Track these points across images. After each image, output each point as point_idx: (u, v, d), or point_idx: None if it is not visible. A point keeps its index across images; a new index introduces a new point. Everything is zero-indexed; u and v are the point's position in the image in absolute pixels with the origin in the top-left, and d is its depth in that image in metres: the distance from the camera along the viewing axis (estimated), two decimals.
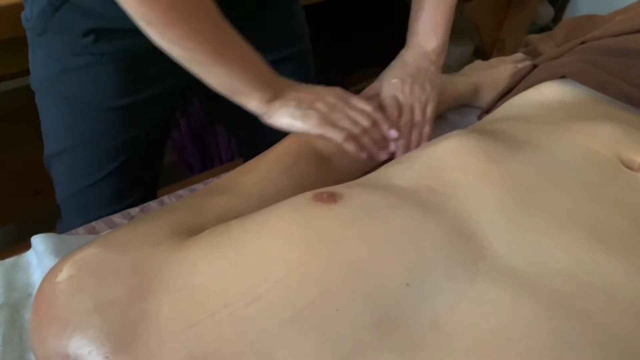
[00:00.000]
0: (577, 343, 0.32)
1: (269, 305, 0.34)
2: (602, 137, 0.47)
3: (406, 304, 0.34)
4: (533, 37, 0.91)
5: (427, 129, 0.63)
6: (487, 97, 0.78)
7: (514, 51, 0.93)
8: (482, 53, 1.85)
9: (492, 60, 0.86)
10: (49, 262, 0.49)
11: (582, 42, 0.68)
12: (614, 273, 0.36)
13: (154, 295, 0.35)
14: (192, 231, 0.42)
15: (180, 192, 0.63)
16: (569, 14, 2.27)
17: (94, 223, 0.57)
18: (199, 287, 0.35)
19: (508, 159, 0.45)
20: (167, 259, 0.38)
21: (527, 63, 0.85)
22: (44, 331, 0.35)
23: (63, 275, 0.36)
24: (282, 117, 0.56)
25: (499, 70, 0.83)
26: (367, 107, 0.60)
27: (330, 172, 0.59)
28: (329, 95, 0.59)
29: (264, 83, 0.55)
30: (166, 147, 0.82)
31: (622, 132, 0.48)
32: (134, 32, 0.50)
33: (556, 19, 2.27)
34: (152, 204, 0.61)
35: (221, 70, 0.52)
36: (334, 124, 0.56)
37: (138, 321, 0.34)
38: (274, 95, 0.55)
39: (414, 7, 0.68)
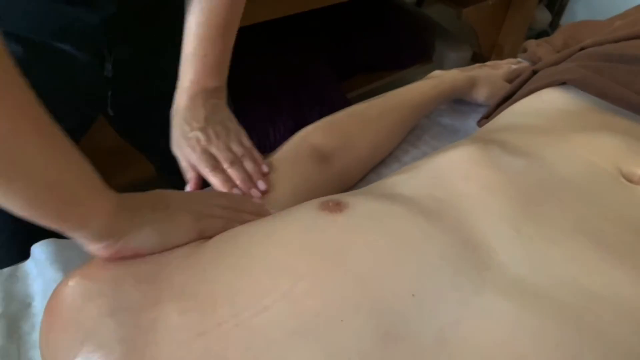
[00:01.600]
0: (585, 356, 0.31)
1: (275, 317, 0.34)
2: (602, 150, 0.47)
3: (412, 316, 0.34)
4: (531, 43, 0.91)
5: (255, 154, 0.56)
6: (481, 92, 0.78)
7: (512, 56, 0.93)
8: (481, 58, 1.85)
9: (487, 64, 0.86)
10: (50, 272, 0.48)
11: (582, 48, 0.68)
12: (621, 285, 0.36)
13: (164, 302, 0.35)
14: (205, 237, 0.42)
15: None
16: (566, 19, 2.28)
17: None
18: (207, 296, 0.36)
19: (512, 169, 0.45)
20: (177, 266, 0.38)
21: (523, 64, 0.86)
22: (57, 335, 0.36)
23: (78, 281, 0.37)
24: (145, 232, 0.39)
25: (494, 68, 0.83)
26: (253, 206, 0.51)
27: (330, 171, 0.59)
28: (175, 193, 0.47)
29: (106, 192, 0.37)
30: None
31: (623, 145, 0.48)
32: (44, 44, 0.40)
33: (553, 24, 2.29)
34: None
35: (44, 167, 0.32)
36: (213, 209, 0.46)
37: (149, 328, 0.34)
38: (119, 210, 0.37)
39: (187, 41, 0.57)
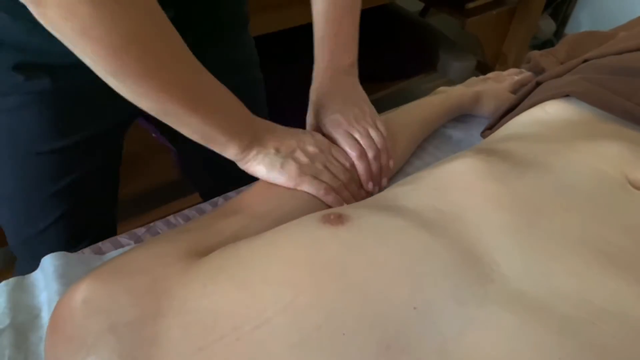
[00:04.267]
0: None
1: (277, 330, 0.34)
2: (609, 157, 0.47)
3: (414, 329, 0.34)
4: (535, 54, 0.91)
5: (388, 145, 0.61)
6: (487, 106, 0.79)
7: (516, 65, 0.93)
8: (485, 67, 1.86)
9: (489, 75, 0.86)
10: (55, 285, 0.49)
11: (585, 60, 0.68)
12: (625, 297, 0.36)
13: (164, 317, 0.35)
14: (204, 252, 0.42)
15: (185, 211, 0.63)
16: (570, 28, 2.28)
17: (100, 243, 0.57)
18: (208, 310, 0.36)
19: (515, 180, 0.45)
20: (178, 281, 0.38)
21: (526, 74, 0.86)
22: (60, 351, 0.36)
23: (80, 295, 0.37)
24: (259, 165, 0.53)
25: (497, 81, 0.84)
26: (347, 162, 0.58)
27: None
28: (309, 143, 0.56)
29: (241, 130, 0.51)
30: (118, 179, 0.75)
31: (629, 151, 0.48)
32: (75, 67, 0.44)
33: (558, 33, 2.29)
34: (159, 223, 0.61)
35: (197, 121, 0.47)
36: (313, 176, 0.54)
37: (150, 343, 0.34)
38: (252, 142, 0.52)
39: (317, 23, 0.62)
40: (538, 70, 0.88)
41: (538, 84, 0.69)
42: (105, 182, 0.72)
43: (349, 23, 0.61)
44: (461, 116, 0.80)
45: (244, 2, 0.73)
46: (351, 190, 0.57)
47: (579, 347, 0.33)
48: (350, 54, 0.62)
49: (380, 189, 0.59)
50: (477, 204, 0.43)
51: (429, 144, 0.75)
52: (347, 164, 0.58)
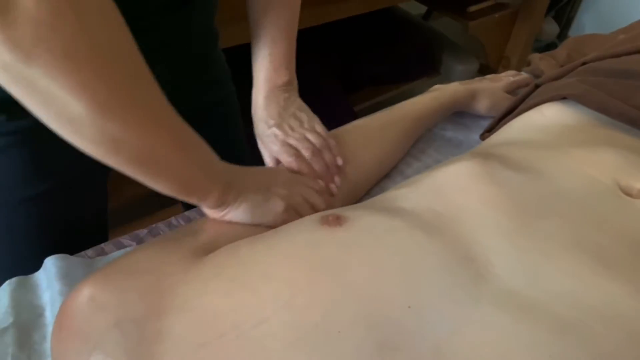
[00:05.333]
0: None
1: (275, 328, 0.35)
2: (601, 164, 0.48)
3: (408, 328, 0.35)
4: (535, 56, 0.91)
5: (331, 142, 0.60)
6: (482, 103, 0.79)
7: (520, 68, 0.94)
8: (488, 70, 1.86)
9: (486, 77, 0.87)
10: (58, 285, 0.50)
11: (584, 63, 0.69)
12: (617, 298, 0.36)
13: (168, 314, 0.37)
14: (207, 251, 0.44)
15: (187, 213, 0.63)
16: (574, 30, 2.28)
17: (103, 245, 0.58)
18: (209, 308, 0.37)
19: (511, 183, 0.46)
20: (181, 279, 0.39)
21: (522, 75, 0.86)
22: (67, 346, 0.37)
23: (86, 292, 0.38)
24: (240, 209, 0.49)
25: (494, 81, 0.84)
26: (316, 184, 0.57)
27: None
28: (280, 174, 0.55)
29: (219, 172, 0.47)
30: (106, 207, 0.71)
31: (622, 159, 0.49)
32: None
33: (561, 36, 2.29)
34: (160, 225, 0.62)
35: (182, 164, 0.42)
36: (299, 205, 0.52)
37: (153, 339, 0.35)
38: (229, 185, 0.48)
39: (254, 42, 0.62)
40: (538, 73, 0.88)
41: (537, 86, 0.70)
42: (98, 219, 0.70)
43: (284, 42, 0.61)
44: (460, 119, 0.81)
45: (212, 18, 0.72)
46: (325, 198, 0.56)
47: (571, 347, 0.33)
48: (285, 73, 0.62)
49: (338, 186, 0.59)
50: (473, 205, 0.44)
51: (429, 147, 0.76)
52: (317, 187, 0.57)
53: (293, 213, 0.51)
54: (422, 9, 2.10)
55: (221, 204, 0.48)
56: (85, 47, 0.32)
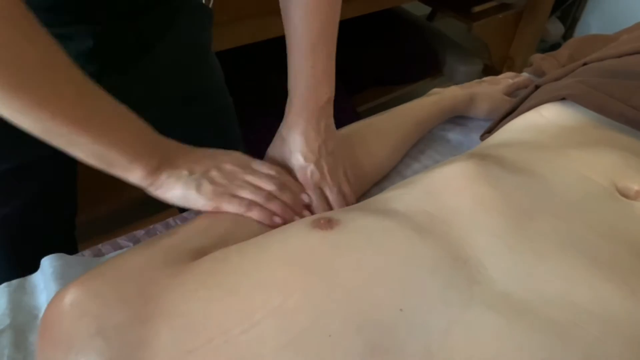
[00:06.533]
0: None
1: (265, 333, 0.34)
2: (599, 165, 0.48)
3: (399, 331, 0.34)
4: (537, 57, 0.91)
5: (345, 188, 0.57)
6: (481, 107, 0.78)
7: (524, 69, 0.93)
8: (492, 71, 1.85)
9: (485, 79, 0.86)
10: (54, 286, 0.50)
11: (585, 63, 0.68)
12: (612, 300, 0.36)
13: (153, 320, 0.36)
14: (195, 255, 0.43)
15: (185, 214, 0.63)
16: (579, 31, 2.27)
17: (100, 245, 0.58)
18: (198, 314, 0.36)
19: (506, 185, 0.45)
20: (167, 285, 0.39)
21: (521, 77, 0.86)
22: (49, 354, 0.36)
23: (68, 299, 0.38)
24: (172, 189, 0.48)
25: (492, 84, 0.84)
26: (271, 171, 0.53)
27: None
28: (226, 161, 0.52)
29: (146, 151, 0.46)
30: (75, 196, 0.71)
31: (620, 160, 0.48)
32: None
33: (566, 36, 2.28)
34: (158, 226, 0.62)
35: (87, 141, 0.42)
36: (232, 195, 0.50)
37: (138, 346, 0.35)
38: (160, 164, 0.47)
39: (291, 53, 0.54)
40: (539, 74, 0.87)
41: (537, 87, 0.70)
42: (51, 209, 0.68)
43: (326, 51, 0.54)
44: (460, 120, 0.80)
45: (203, 32, 0.71)
46: (282, 199, 0.52)
47: (564, 348, 0.33)
48: (328, 88, 0.55)
49: None
50: (467, 206, 0.43)
51: (429, 148, 0.75)
52: (272, 172, 0.53)
53: (228, 197, 0.49)
54: (426, 9, 2.10)
55: (150, 183, 0.47)
56: None
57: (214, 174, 0.50)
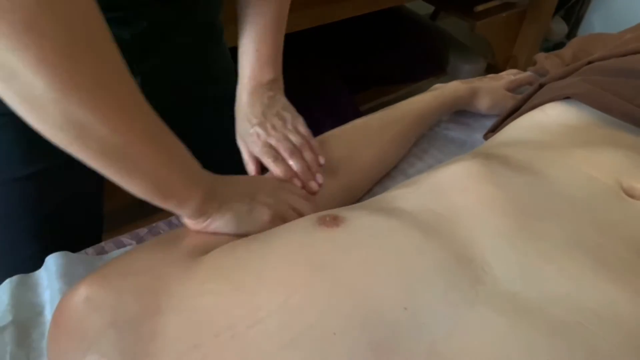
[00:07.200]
0: None
1: (270, 329, 0.35)
2: (604, 165, 0.47)
3: (404, 329, 0.34)
4: (540, 56, 0.91)
5: (313, 142, 0.59)
6: (482, 101, 0.78)
7: (527, 68, 0.93)
8: (495, 70, 1.85)
9: (488, 76, 0.86)
10: (58, 284, 0.50)
11: (589, 62, 0.68)
12: (616, 301, 0.35)
13: (163, 314, 0.37)
14: (204, 251, 0.44)
15: None
16: (582, 30, 2.26)
17: (103, 243, 0.58)
18: (205, 309, 0.37)
19: (511, 185, 0.45)
20: (178, 279, 0.39)
21: (523, 74, 0.86)
22: (63, 345, 0.37)
23: (82, 293, 0.39)
24: (223, 218, 0.46)
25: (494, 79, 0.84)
26: (301, 191, 0.55)
27: (335, 184, 0.60)
28: (265, 182, 0.54)
29: (199, 179, 0.45)
30: (102, 198, 0.72)
31: (625, 159, 0.48)
32: None
33: (570, 36, 2.27)
34: (161, 224, 0.62)
35: (157, 165, 0.39)
36: (286, 212, 0.51)
37: (149, 339, 0.35)
38: (211, 194, 0.45)
39: (240, 38, 0.61)
40: (542, 73, 0.87)
41: (541, 86, 0.69)
42: (90, 202, 0.70)
43: (272, 38, 0.60)
44: (464, 119, 0.80)
45: (217, 14, 0.73)
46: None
47: (568, 350, 0.33)
48: (271, 70, 0.61)
49: (320, 185, 0.57)
50: (473, 206, 0.43)
51: (432, 147, 0.75)
52: (304, 193, 0.56)
53: (279, 222, 0.49)
54: (430, 8, 2.09)
55: (202, 213, 0.45)
56: (46, 21, 0.30)
57: (261, 197, 0.50)
